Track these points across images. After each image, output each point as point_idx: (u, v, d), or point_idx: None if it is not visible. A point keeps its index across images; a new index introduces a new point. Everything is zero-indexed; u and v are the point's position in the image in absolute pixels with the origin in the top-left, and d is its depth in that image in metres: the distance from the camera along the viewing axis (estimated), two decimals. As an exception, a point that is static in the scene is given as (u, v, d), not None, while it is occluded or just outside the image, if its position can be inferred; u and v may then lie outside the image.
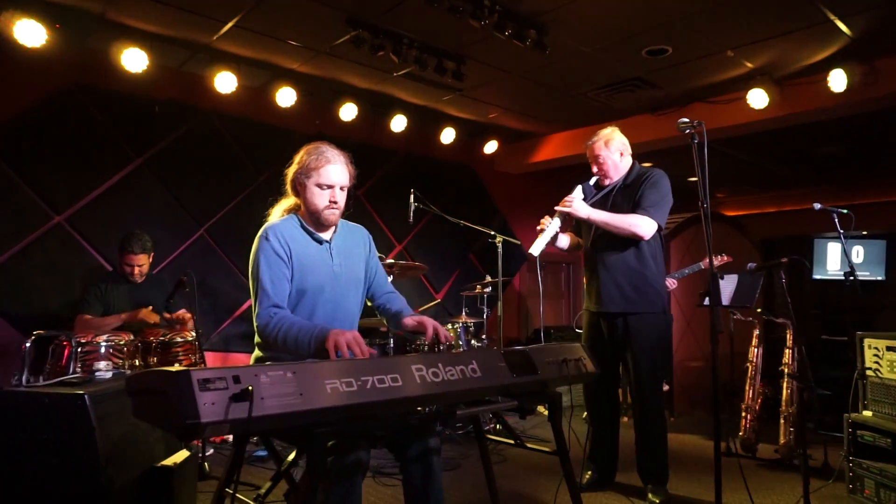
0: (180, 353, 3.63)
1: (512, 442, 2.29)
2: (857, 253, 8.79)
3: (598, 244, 3.29)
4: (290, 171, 2.27)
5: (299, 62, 4.78)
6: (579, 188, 3.24)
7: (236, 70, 4.67)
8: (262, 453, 3.91)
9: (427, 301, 5.96)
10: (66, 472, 2.30)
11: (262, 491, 1.62)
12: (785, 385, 3.95)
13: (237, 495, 1.71)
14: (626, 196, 3.26)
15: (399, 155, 6.37)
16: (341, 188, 2.24)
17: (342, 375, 1.58)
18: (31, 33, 3.83)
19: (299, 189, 2.25)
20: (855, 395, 3.40)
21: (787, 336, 4.03)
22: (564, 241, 3.42)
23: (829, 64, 4.50)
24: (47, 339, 3.05)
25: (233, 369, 1.44)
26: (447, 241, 6.60)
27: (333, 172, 2.21)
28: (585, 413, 5.19)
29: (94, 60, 4.50)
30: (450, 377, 1.82)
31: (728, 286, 4.74)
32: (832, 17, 3.86)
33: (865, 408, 3.35)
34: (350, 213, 2.41)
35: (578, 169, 7.90)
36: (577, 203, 3.14)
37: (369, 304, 2.54)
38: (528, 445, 2.26)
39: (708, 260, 5.11)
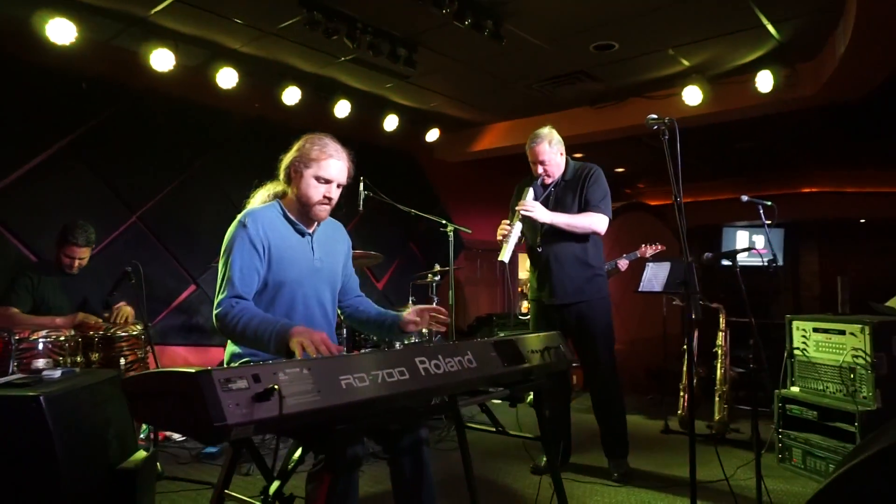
0: (125, 348, 3.42)
1: (493, 430, 2.33)
2: (761, 241, 9.53)
3: (547, 239, 3.41)
4: (287, 157, 2.19)
5: (242, 42, 4.57)
6: (531, 192, 3.31)
7: (174, 47, 4.40)
8: (213, 450, 3.77)
9: (368, 291, 5.90)
10: (22, 481, 2.13)
11: (272, 490, 1.57)
12: (719, 365, 4.24)
13: (240, 496, 1.65)
14: (567, 192, 3.41)
15: (341, 141, 6.22)
16: (338, 185, 2.19)
17: (355, 371, 1.56)
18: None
19: (293, 177, 2.17)
20: (784, 373, 3.70)
21: (721, 319, 4.32)
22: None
23: (757, 66, 4.82)
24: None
25: (249, 368, 1.39)
26: (388, 229, 6.55)
27: (334, 168, 2.15)
28: (530, 397, 5.36)
29: (14, 29, 4.10)
30: (450, 368, 1.83)
31: (661, 272, 5.01)
32: (765, 21, 4.13)
33: (793, 384, 3.66)
34: (342, 212, 2.35)
35: (516, 159, 8.10)
36: (538, 209, 3.22)
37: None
38: (511, 433, 2.31)
39: (645, 249, 5.34)
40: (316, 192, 2.14)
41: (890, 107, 5.59)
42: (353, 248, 2.55)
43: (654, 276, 5.04)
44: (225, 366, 1.90)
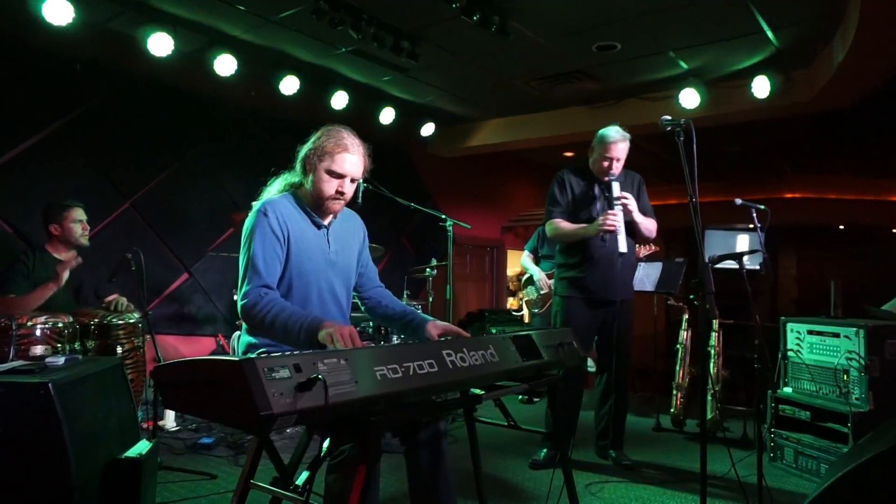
0: (121, 336, 3.37)
1: (506, 424, 2.34)
2: (744, 243, 9.70)
3: (614, 235, 3.38)
4: (304, 148, 2.16)
5: (243, 29, 4.50)
6: (618, 185, 3.38)
7: (172, 32, 4.32)
8: (208, 440, 3.73)
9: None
10: (31, 468, 2.08)
11: (299, 483, 1.56)
12: (712, 365, 4.30)
13: (266, 486, 1.64)
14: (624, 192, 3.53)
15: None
16: (352, 180, 2.15)
17: (388, 362, 1.56)
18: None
19: (308, 169, 2.14)
20: (777, 374, 3.78)
21: (714, 320, 4.38)
22: None
23: (753, 71, 4.89)
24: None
25: (289, 357, 1.38)
26: (380, 223, 6.52)
27: (348, 162, 2.11)
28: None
29: (9, 7, 3.97)
30: (474, 362, 1.84)
31: (653, 272, 5.08)
32: (765, 26, 4.19)
33: (787, 385, 3.74)
34: (359, 206, 2.33)
35: (508, 155, 8.14)
36: (633, 203, 3.35)
37: (354, 295, 2.48)
38: (524, 427, 2.32)
39: (639, 249, 5.39)
40: (328, 186, 2.11)
41: (877, 115, 5.74)
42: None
43: (647, 276, 5.10)
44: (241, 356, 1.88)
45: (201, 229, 5.13)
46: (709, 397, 4.24)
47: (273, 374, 1.31)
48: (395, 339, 4.67)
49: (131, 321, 3.43)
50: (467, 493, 2.85)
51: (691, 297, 4.51)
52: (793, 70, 4.88)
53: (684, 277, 4.86)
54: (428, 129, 6.55)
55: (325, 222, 2.22)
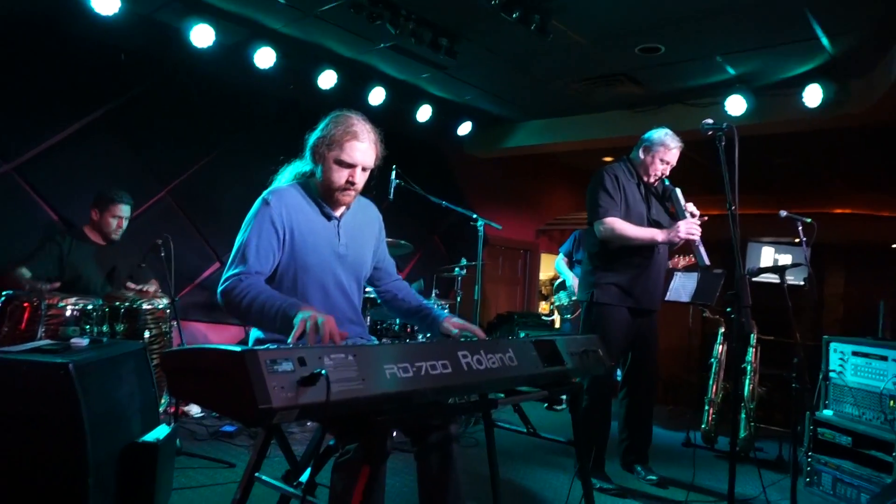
0: (149, 321, 3.42)
1: (525, 431, 2.27)
2: (788, 259, 9.35)
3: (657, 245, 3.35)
4: (312, 137, 2.09)
5: (283, 22, 4.53)
6: (680, 192, 3.34)
7: (215, 24, 4.37)
8: (230, 428, 3.75)
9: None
10: (49, 448, 2.10)
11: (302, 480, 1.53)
12: (748, 381, 4.13)
13: (270, 480, 1.61)
14: (663, 199, 3.50)
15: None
16: (363, 169, 2.07)
17: (399, 360, 1.51)
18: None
19: (317, 159, 2.08)
20: (818, 395, 3.59)
21: (753, 335, 4.21)
22: None
23: (805, 79, 4.68)
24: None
25: (293, 350, 1.33)
26: (412, 221, 6.49)
27: (358, 151, 2.03)
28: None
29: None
30: (491, 365, 1.77)
31: (689, 283, 4.91)
32: (821, 33, 4.00)
33: (827, 407, 3.56)
34: (371, 195, 2.27)
35: (545, 158, 8.01)
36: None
37: (371, 289, 2.42)
38: (544, 435, 2.25)
39: (677, 260, 5.23)
40: (338, 176, 2.04)
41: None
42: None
43: (683, 287, 4.95)
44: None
45: (235, 220, 5.14)
46: (742, 415, 4.08)
47: (275, 367, 1.26)
48: (420, 337, 4.62)
49: (160, 307, 3.47)
50: (484, 498, 2.78)
51: (728, 309, 4.38)
52: (848, 80, 4.66)
53: (722, 289, 4.69)
54: (465, 129, 6.49)
55: (337, 214, 2.14)
